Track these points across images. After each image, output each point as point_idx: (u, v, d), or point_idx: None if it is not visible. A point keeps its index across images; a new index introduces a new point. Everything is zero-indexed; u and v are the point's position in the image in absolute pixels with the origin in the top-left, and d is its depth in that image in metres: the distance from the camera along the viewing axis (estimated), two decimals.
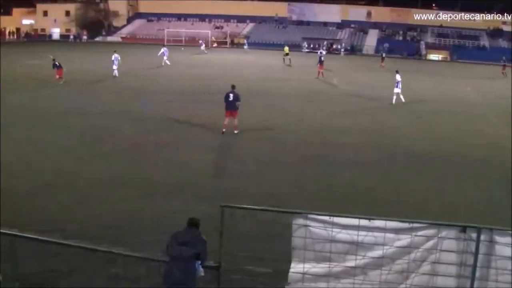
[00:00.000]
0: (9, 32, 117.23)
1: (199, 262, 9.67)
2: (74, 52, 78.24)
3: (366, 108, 36.78)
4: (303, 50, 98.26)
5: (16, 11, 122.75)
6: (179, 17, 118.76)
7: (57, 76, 44.77)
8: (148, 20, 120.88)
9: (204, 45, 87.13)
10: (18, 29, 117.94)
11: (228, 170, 21.31)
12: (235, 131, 26.82)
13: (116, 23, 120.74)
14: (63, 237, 11.40)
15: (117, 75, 49.58)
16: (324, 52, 65.21)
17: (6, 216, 15.11)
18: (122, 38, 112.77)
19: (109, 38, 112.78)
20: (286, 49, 73.38)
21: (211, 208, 12.77)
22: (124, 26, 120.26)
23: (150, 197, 17.47)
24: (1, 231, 11.06)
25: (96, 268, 11.21)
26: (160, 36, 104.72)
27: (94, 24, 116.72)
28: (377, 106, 37.66)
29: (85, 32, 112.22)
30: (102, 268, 11.06)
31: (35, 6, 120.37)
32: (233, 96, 26.48)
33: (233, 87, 26.92)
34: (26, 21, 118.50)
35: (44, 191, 17.92)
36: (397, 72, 39.46)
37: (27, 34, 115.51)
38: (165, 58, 62.45)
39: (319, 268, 10.01)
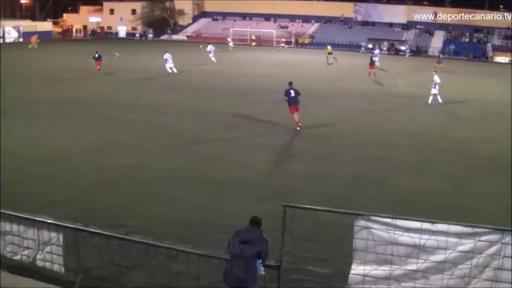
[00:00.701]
0: (76, 30, 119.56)
1: (260, 261, 9.70)
2: (139, 50, 79.26)
3: (423, 109, 36.25)
4: (362, 50, 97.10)
5: (83, 9, 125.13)
6: (244, 16, 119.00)
7: (97, 67, 49.69)
8: (214, 19, 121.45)
9: (232, 43, 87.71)
10: (85, 27, 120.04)
11: (289, 169, 21.24)
12: (298, 127, 27.61)
13: (181, 21, 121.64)
14: (125, 232, 11.59)
15: (175, 71, 51.19)
16: (377, 53, 64.39)
17: (69, 210, 15.48)
18: (187, 36, 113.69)
19: (175, 37, 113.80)
20: (329, 48, 73.17)
21: (273, 207, 12.83)
22: (189, 24, 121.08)
23: (212, 195, 17.61)
24: (65, 225, 11.32)
25: (157, 264, 11.35)
26: (225, 35, 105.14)
27: (160, 23, 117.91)
28: (436, 107, 36.95)
29: (150, 31, 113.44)
30: (163, 264, 11.17)
31: (101, 4, 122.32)
32: (294, 92, 27.46)
33: (290, 83, 27.95)
34: (92, 19, 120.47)
35: (107, 187, 18.25)
36: (435, 72, 39.05)
37: (93, 32, 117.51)
38: (210, 55, 63.73)
39: (380, 270, 9.95)
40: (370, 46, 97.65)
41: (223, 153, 23.02)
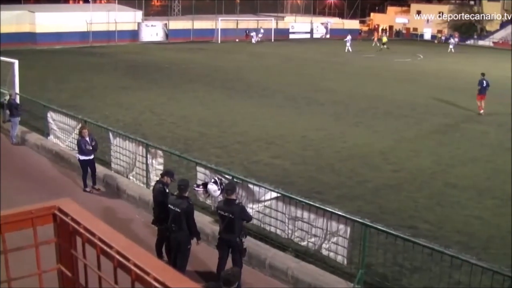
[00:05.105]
0: (382, 29, 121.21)
1: None
2: (444, 53, 77.49)
3: None
4: None
5: (390, 9, 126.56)
6: None
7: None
8: None
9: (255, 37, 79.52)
10: (390, 27, 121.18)
11: None
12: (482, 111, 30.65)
13: (489, 27, 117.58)
14: (413, 234, 11.73)
15: (350, 50, 66.70)
16: None
17: (360, 204, 16.04)
18: (493, 43, 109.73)
19: (480, 42, 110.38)
20: None
21: None
22: (496, 30, 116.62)
23: (508, 210, 16.76)
24: (354, 218, 11.83)
25: (439, 271, 11.31)
26: None
27: (467, 27, 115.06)
28: None
29: (456, 34, 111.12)
30: (446, 272, 11.12)
31: (409, 6, 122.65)
32: (486, 82, 31.29)
33: (483, 74, 31.83)
34: (399, 20, 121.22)
35: (401, 187, 18.50)
36: None
37: (398, 32, 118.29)
38: (348, 45, 68.92)
39: None
40: None
41: None
